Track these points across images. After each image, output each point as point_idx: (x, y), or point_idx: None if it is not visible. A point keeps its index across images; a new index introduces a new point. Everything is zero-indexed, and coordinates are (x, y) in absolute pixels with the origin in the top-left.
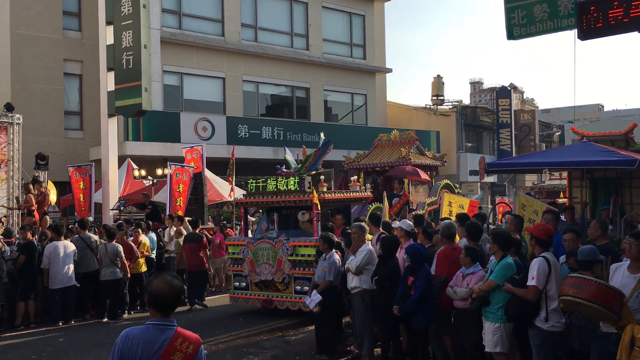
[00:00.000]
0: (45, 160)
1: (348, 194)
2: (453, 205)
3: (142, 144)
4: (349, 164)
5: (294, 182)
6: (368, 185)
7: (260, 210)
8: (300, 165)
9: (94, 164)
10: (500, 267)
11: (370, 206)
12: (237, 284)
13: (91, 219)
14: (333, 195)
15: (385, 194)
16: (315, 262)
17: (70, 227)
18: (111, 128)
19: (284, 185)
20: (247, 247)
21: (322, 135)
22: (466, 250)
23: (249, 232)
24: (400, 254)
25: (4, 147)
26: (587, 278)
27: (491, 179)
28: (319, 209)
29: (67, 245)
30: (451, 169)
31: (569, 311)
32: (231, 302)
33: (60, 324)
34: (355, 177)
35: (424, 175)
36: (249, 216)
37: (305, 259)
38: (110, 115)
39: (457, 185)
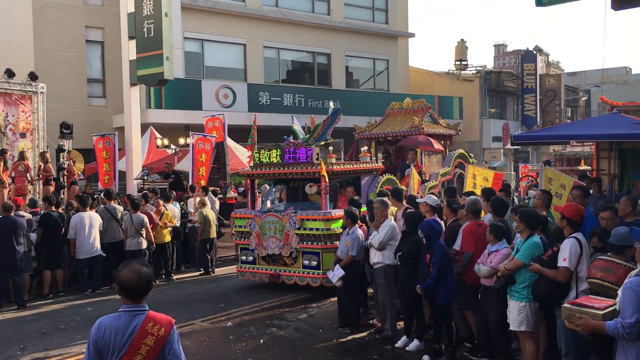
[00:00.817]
0: (69, 129)
1: (358, 165)
2: (477, 178)
3: (164, 111)
4: (359, 133)
5: (276, 155)
6: (379, 156)
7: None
8: (308, 135)
9: (117, 132)
10: (527, 246)
11: (381, 178)
12: (244, 257)
13: (114, 188)
14: (342, 166)
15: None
16: (323, 237)
17: (95, 196)
18: (134, 96)
19: (267, 158)
20: (254, 220)
21: (331, 103)
22: (490, 228)
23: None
24: None
25: (29, 116)
26: (615, 262)
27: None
28: (327, 181)
29: (92, 216)
30: (474, 135)
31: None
32: (238, 276)
33: (88, 292)
34: (366, 147)
35: (437, 145)
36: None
37: (313, 233)
38: (132, 84)
39: (472, 156)
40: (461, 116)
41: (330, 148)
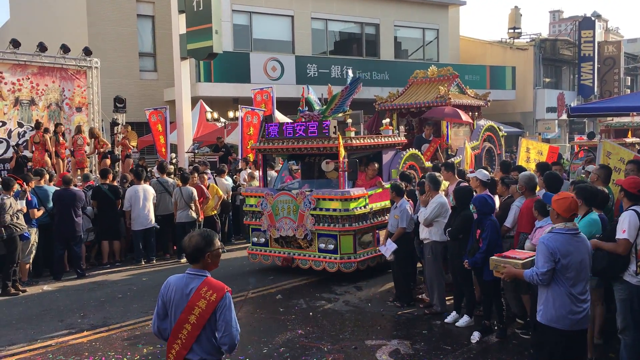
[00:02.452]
0: (123, 103)
1: (379, 140)
2: (531, 152)
3: (213, 85)
4: (380, 104)
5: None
6: (402, 129)
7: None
8: (325, 107)
9: (168, 106)
10: (584, 223)
11: (404, 153)
12: (255, 239)
13: (172, 164)
14: (362, 141)
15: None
16: (341, 218)
17: (149, 170)
18: (184, 70)
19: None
20: (266, 199)
21: (349, 72)
22: (535, 204)
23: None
24: None
25: (84, 90)
26: None
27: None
28: (346, 156)
29: (146, 189)
30: (527, 106)
31: None
32: (249, 259)
33: (143, 262)
34: (388, 120)
35: (465, 117)
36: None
37: (330, 214)
38: (182, 58)
39: (501, 128)
40: (514, 86)
41: (349, 121)
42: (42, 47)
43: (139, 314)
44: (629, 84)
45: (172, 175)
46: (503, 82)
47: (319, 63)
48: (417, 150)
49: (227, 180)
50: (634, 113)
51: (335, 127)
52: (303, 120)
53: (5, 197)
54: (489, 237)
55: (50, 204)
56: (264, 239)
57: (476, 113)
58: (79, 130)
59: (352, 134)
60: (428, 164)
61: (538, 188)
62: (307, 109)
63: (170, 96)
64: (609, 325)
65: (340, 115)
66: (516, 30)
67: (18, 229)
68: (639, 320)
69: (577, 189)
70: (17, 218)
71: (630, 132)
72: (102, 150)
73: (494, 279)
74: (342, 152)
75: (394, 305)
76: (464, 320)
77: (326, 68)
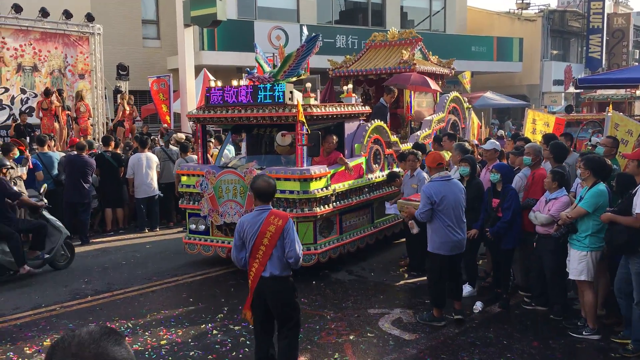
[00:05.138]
0: (125, 70)
1: (343, 109)
2: (537, 123)
3: (217, 53)
4: (335, 70)
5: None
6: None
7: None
8: (277, 69)
9: (171, 74)
10: (592, 194)
11: (369, 124)
12: (193, 226)
13: (182, 135)
14: (324, 109)
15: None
16: (299, 202)
17: (153, 138)
18: (187, 38)
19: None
20: (207, 178)
21: (304, 29)
22: (553, 175)
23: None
24: (485, 176)
25: (87, 57)
26: None
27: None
28: (307, 128)
29: (149, 157)
30: (533, 78)
31: None
32: (186, 250)
33: (146, 230)
34: (350, 85)
35: (434, 86)
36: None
37: (286, 197)
38: (186, 25)
39: (466, 100)
40: (521, 58)
41: (308, 85)
42: (44, 13)
43: (143, 281)
44: (638, 56)
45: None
46: (510, 54)
47: (324, 32)
48: (381, 122)
49: (230, 149)
50: None
51: (291, 92)
52: (252, 83)
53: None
54: (514, 206)
55: (55, 171)
56: (203, 226)
57: (440, 82)
58: (80, 97)
59: (312, 101)
60: (394, 138)
61: (544, 160)
62: (255, 70)
63: (174, 64)
64: (611, 297)
65: (294, 79)
66: (524, 1)
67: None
68: None
69: (585, 159)
70: (15, 184)
71: (610, 106)
72: (132, 116)
73: (511, 249)
74: (303, 123)
75: (411, 274)
76: (467, 290)
77: (331, 37)
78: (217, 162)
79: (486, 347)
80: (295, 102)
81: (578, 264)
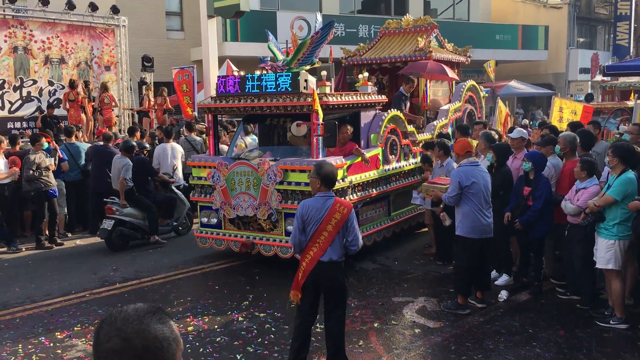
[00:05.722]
0: (150, 62)
1: (359, 98)
2: (564, 111)
3: (240, 44)
4: (348, 58)
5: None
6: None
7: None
8: (290, 57)
9: (195, 65)
10: (620, 182)
11: (385, 114)
12: (205, 219)
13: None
14: (339, 98)
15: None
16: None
17: (177, 129)
18: (210, 29)
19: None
20: (219, 170)
21: (317, 15)
22: (582, 164)
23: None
24: (513, 164)
25: (112, 49)
26: None
27: (608, 78)
28: (321, 118)
29: (174, 147)
30: (559, 67)
31: None
32: (197, 243)
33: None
34: (366, 74)
35: (452, 74)
36: None
37: (301, 189)
38: (209, 17)
39: (482, 89)
40: (546, 47)
41: (323, 73)
42: (70, 5)
43: (169, 269)
44: None
45: (204, 135)
46: (535, 42)
47: (346, 22)
48: (398, 111)
49: (253, 138)
50: None
51: (306, 80)
52: (265, 71)
53: (32, 153)
54: (545, 195)
55: (83, 161)
56: (215, 220)
57: (456, 70)
58: (105, 88)
59: (327, 90)
60: (410, 128)
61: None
62: (268, 58)
63: (197, 56)
64: (639, 286)
65: (308, 67)
66: None
67: (43, 185)
68: None
69: (613, 147)
70: (40, 175)
71: (632, 94)
72: (166, 107)
73: (542, 238)
74: (319, 112)
75: (437, 263)
76: (503, 279)
77: (353, 27)
78: (229, 153)
79: (512, 336)
80: (310, 91)
81: (606, 252)
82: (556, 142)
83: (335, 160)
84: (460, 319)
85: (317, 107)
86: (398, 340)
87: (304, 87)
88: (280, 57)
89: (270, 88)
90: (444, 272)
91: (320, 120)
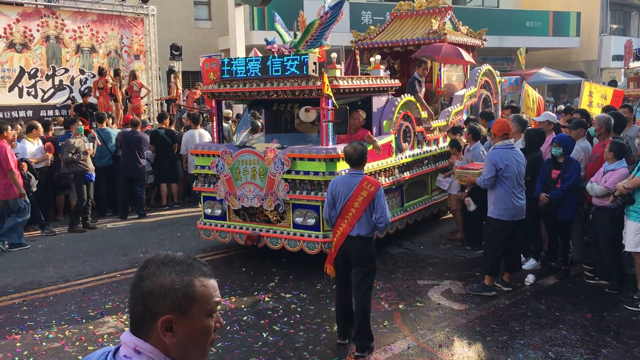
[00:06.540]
0: (179, 50)
1: (371, 82)
2: (594, 95)
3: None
4: (358, 42)
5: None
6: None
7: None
8: (298, 39)
9: (222, 53)
10: None
11: (398, 100)
12: (209, 210)
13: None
14: (350, 82)
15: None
16: (324, 184)
17: (205, 115)
18: (238, 18)
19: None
20: (223, 158)
21: None
22: (611, 146)
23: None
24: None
25: (142, 38)
26: None
27: (637, 64)
28: (334, 103)
29: (202, 134)
30: (591, 54)
31: None
32: (201, 236)
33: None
34: (378, 57)
35: (468, 57)
36: None
37: (310, 179)
38: (237, 5)
39: (498, 73)
40: (578, 33)
41: (333, 55)
42: None
43: (197, 252)
44: None
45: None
46: (567, 29)
47: (373, 10)
48: (412, 96)
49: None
50: None
51: (315, 63)
52: (272, 54)
53: (73, 137)
54: (574, 177)
55: (113, 146)
56: (220, 211)
57: (472, 54)
58: (134, 76)
59: (338, 74)
60: (424, 114)
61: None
62: (274, 40)
63: (225, 45)
64: None
65: (317, 49)
66: None
67: (79, 167)
68: None
69: None
70: (79, 158)
71: None
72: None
73: (568, 221)
74: (330, 96)
75: (466, 249)
76: (530, 263)
77: (381, 15)
78: (235, 141)
79: (538, 318)
80: (320, 74)
81: (635, 235)
82: (586, 125)
83: (341, 148)
84: (486, 302)
85: (328, 91)
86: (423, 321)
87: (313, 70)
88: (288, 39)
89: (277, 71)
90: (469, 257)
91: (331, 105)
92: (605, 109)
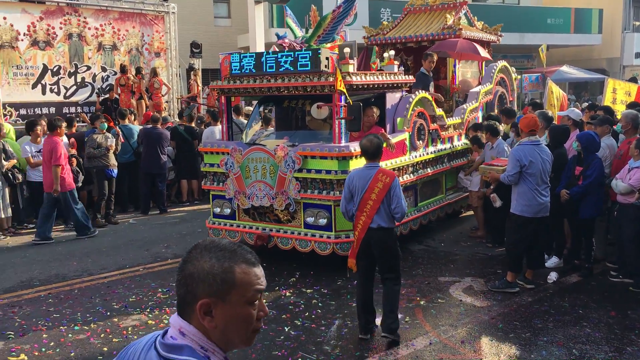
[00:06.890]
0: (199, 48)
1: (385, 78)
2: (618, 92)
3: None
4: (370, 37)
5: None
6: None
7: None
8: (310, 33)
9: (242, 51)
10: None
11: (412, 96)
12: (218, 209)
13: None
14: (364, 78)
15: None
16: (337, 183)
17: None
18: (257, 15)
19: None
20: (232, 156)
21: None
22: (637, 142)
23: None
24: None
25: (162, 36)
26: None
27: None
28: (348, 99)
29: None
30: (614, 51)
31: None
32: (210, 235)
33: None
34: (392, 52)
35: (484, 53)
36: None
37: (322, 177)
38: (256, 2)
39: (514, 70)
40: (600, 30)
41: (346, 50)
42: None
43: None
44: None
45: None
46: (589, 26)
47: (392, 7)
48: (426, 93)
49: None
50: None
51: (327, 58)
52: (283, 49)
53: (97, 133)
54: (596, 174)
55: (135, 142)
56: (229, 210)
57: (487, 50)
58: (155, 73)
59: (351, 69)
60: (439, 112)
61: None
62: (286, 34)
63: (244, 43)
64: None
65: (328, 45)
66: None
67: (101, 163)
68: None
69: None
70: (101, 154)
71: None
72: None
73: (591, 218)
74: (343, 92)
75: (487, 245)
76: (553, 260)
77: (400, 12)
78: (245, 139)
79: (561, 316)
80: (333, 70)
81: None
82: (612, 121)
83: (354, 146)
84: (508, 299)
85: (341, 87)
86: (444, 317)
87: (325, 66)
88: (299, 33)
89: (288, 67)
90: (490, 254)
91: (344, 102)
92: (630, 106)
